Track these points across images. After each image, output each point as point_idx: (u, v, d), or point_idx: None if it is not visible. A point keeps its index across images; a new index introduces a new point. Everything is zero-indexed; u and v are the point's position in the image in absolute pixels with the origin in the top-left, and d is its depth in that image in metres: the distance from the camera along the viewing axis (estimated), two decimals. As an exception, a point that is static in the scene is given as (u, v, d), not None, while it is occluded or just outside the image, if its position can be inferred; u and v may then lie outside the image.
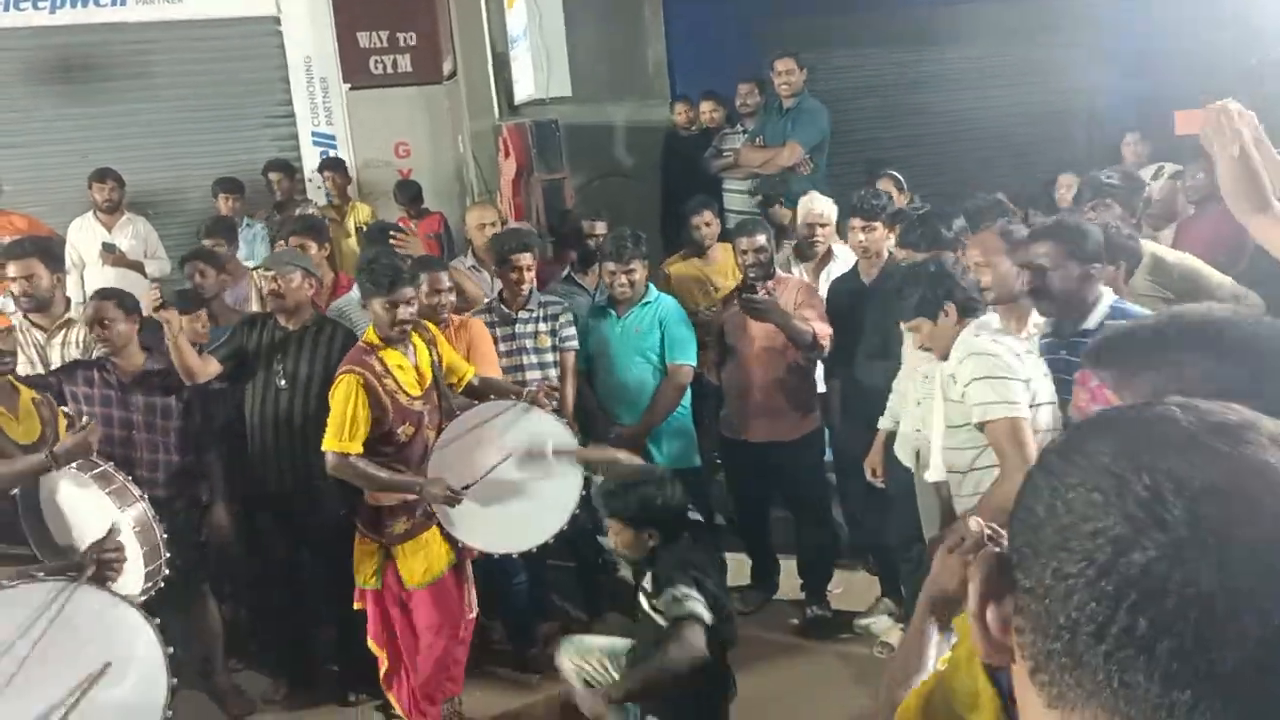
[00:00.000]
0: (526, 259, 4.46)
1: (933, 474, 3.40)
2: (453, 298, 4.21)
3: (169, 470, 3.99)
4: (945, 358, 3.24)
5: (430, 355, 3.75)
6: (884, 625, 4.44)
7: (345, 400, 3.49)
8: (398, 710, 3.84)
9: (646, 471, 3.26)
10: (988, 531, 1.39)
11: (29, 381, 3.77)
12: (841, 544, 4.94)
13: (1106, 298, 3.09)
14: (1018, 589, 0.72)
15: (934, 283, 3.21)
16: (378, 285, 3.55)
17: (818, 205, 5.03)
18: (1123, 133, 6.77)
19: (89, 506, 3.28)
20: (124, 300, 3.98)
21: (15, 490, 3.34)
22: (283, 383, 4.07)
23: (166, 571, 3.34)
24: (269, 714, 4.32)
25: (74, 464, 3.23)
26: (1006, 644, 0.74)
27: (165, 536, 3.34)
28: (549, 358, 4.46)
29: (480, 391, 3.91)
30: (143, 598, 3.33)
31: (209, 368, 4.05)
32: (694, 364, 4.55)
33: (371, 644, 3.81)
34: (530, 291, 4.49)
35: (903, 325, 3.45)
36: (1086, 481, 0.68)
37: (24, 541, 3.32)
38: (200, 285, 4.81)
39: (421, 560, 3.68)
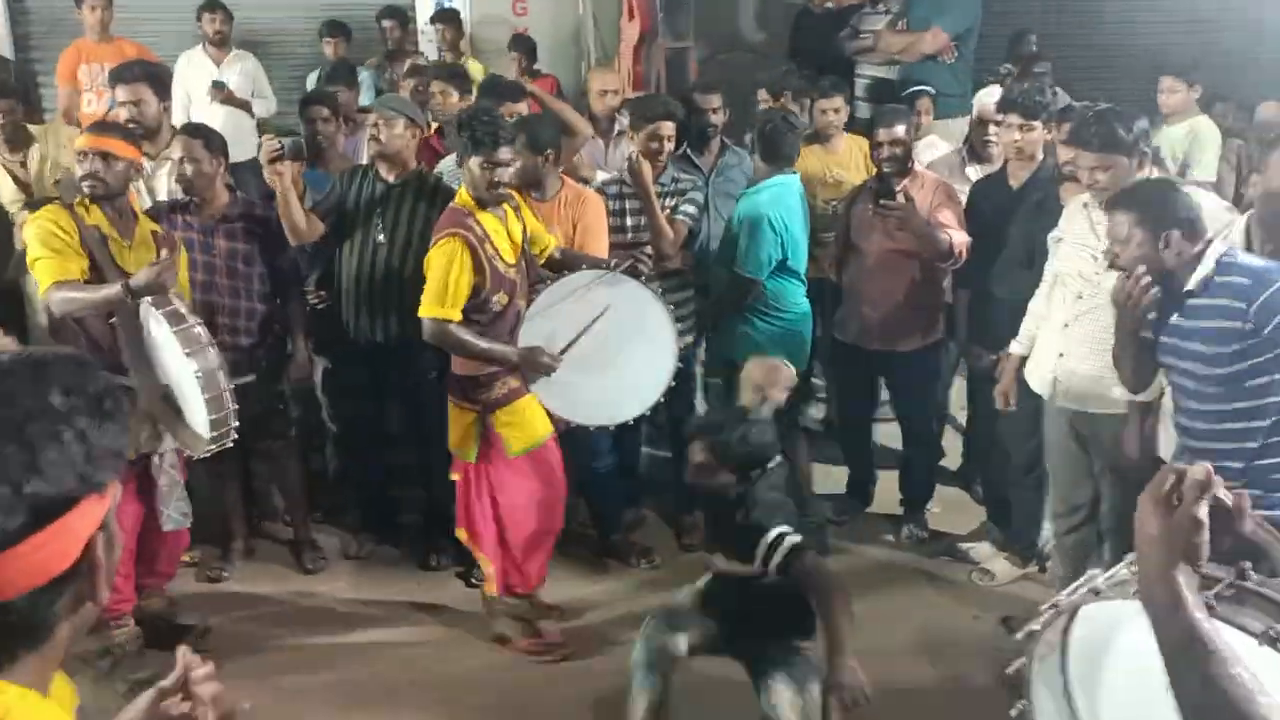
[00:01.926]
0: (669, 128, 4.18)
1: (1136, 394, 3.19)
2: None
3: (252, 319, 3.90)
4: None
5: (519, 222, 3.58)
6: (986, 552, 4.23)
7: (448, 264, 3.32)
8: (490, 590, 3.74)
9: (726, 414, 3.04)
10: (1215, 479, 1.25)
11: None
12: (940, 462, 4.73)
13: (1212, 253, 2.73)
14: None
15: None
16: (476, 142, 3.35)
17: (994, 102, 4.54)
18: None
19: (164, 345, 3.19)
20: (211, 139, 3.83)
21: (114, 319, 3.28)
22: (381, 237, 3.95)
23: (236, 423, 3.20)
24: (344, 570, 4.30)
25: (149, 299, 3.13)
26: None
27: (232, 387, 3.17)
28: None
29: (561, 264, 3.71)
30: (213, 448, 3.24)
31: (315, 228, 3.92)
32: (746, 274, 4.09)
33: (461, 534, 3.70)
34: (666, 165, 4.22)
35: None
36: None
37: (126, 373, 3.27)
38: (320, 132, 4.63)
39: (522, 426, 3.54)
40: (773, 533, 2.73)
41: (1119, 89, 5.85)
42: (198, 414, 3.16)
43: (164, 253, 3.21)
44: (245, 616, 3.95)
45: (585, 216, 3.97)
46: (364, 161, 4.45)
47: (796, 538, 2.71)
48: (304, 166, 4.43)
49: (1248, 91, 5.93)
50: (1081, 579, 1.58)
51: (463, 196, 3.47)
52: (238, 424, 3.21)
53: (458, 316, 3.37)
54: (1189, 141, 5.24)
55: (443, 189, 4.01)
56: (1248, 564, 1.34)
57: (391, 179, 3.99)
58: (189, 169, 3.76)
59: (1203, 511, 1.24)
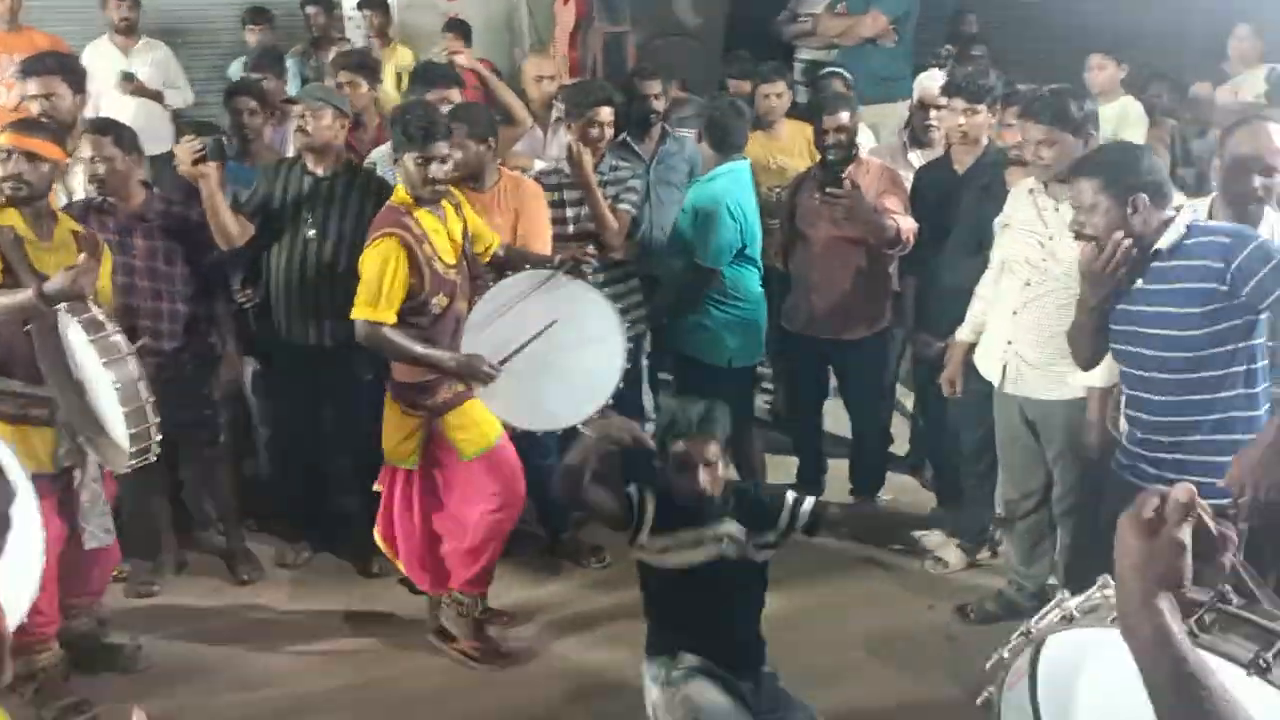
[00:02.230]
0: (607, 114, 4.06)
1: (1095, 379, 3.15)
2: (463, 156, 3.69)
3: (175, 321, 3.73)
4: None
5: (460, 220, 3.44)
6: (938, 540, 4.21)
7: (383, 264, 3.19)
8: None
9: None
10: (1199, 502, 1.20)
11: None
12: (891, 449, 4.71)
13: (1183, 217, 2.70)
14: None
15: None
16: (410, 138, 3.22)
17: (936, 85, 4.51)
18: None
19: (81, 354, 3.01)
20: (122, 134, 3.64)
21: (29, 327, 3.08)
22: (311, 233, 3.81)
23: (158, 437, 3.01)
24: (281, 580, 4.15)
25: (64, 306, 2.94)
26: None
27: (153, 399, 2.97)
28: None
29: (506, 263, 3.58)
30: (134, 463, 3.06)
31: (245, 230, 3.76)
32: (705, 265, 4.01)
33: (380, 541, 3.61)
34: (604, 153, 4.11)
35: None
36: None
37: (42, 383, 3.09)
38: (246, 124, 4.45)
39: (473, 427, 3.41)
40: (791, 495, 2.77)
41: (1055, 68, 5.86)
42: (117, 427, 2.98)
43: (81, 256, 3.02)
44: (178, 633, 3.77)
45: (526, 205, 3.86)
46: (290, 154, 4.29)
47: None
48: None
49: (1179, 71, 5.98)
50: (1051, 604, 1.52)
51: (400, 194, 3.34)
52: (160, 438, 3.03)
53: (392, 319, 3.24)
54: (1118, 121, 5.28)
55: (375, 181, 3.89)
56: (1228, 587, 1.30)
57: (320, 172, 3.85)
58: (100, 167, 3.57)
59: (1185, 534, 1.18)
